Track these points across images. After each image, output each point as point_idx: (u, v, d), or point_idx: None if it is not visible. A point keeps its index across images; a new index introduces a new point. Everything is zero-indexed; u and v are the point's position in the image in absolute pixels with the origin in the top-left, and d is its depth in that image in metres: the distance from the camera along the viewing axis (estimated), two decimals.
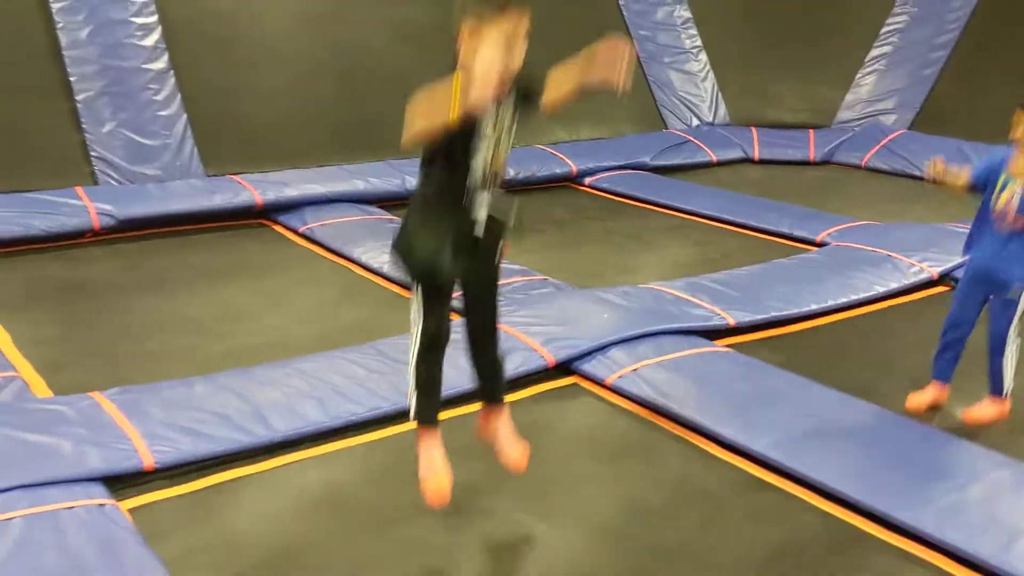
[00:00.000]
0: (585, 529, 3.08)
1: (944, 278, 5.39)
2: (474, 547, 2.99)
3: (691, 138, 8.74)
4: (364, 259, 5.56)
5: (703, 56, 9.50)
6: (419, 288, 2.72)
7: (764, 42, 9.36)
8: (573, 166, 7.86)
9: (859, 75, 9.29)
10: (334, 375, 3.85)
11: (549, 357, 4.12)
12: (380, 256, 5.41)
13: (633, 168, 8.09)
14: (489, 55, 2.33)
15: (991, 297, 3.66)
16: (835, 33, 9.36)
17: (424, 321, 2.73)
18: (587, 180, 7.84)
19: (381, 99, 6.35)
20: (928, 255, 5.54)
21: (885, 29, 9.31)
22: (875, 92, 9.15)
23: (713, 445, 3.59)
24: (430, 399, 2.84)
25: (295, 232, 6.22)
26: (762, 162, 8.67)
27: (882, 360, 4.47)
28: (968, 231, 3.72)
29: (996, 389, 3.72)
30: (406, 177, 6.84)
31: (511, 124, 2.65)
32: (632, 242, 6.31)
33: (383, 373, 3.88)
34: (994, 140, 7.67)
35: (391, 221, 6.16)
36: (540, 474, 3.25)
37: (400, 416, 3.50)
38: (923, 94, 8.88)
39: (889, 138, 8.54)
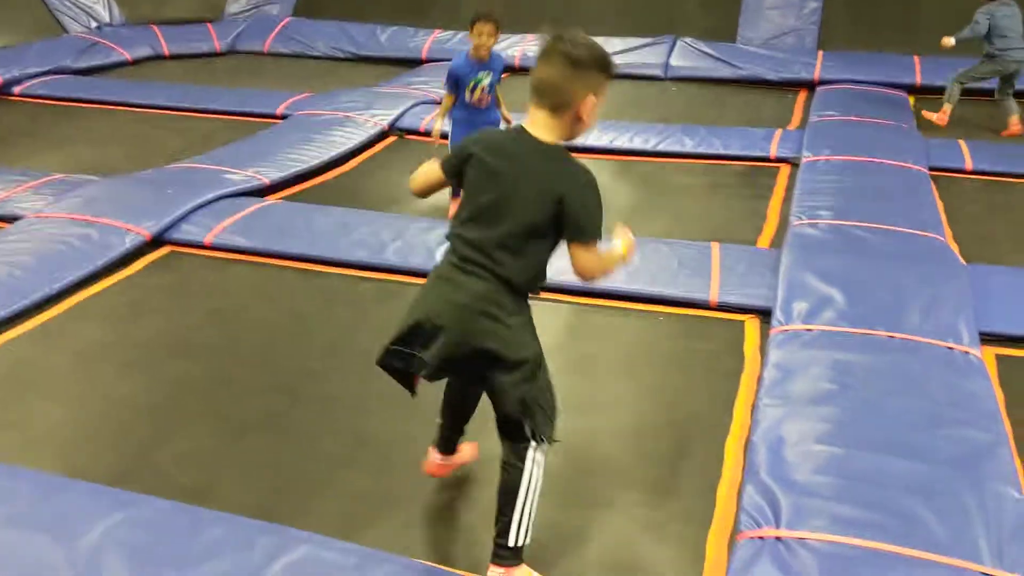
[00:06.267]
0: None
1: (393, 128, 6.76)
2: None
3: (99, 39, 8.82)
4: None
5: None
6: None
7: None
8: None
9: None
10: None
11: (145, 232, 4.56)
12: None
13: (57, 73, 8.02)
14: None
15: None
16: None
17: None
18: (16, 89, 7.62)
19: None
20: (375, 112, 6.86)
21: None
22: None
23: (320, 266, 4.50)
24: None
25: None
26: (174, 57, 9.13)
27: (394, 185, 5.65)
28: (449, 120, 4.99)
29: None
30: None
31: None
32: (130, 139, 6.57)
33: None
34: (367, 19, 9.33)
35: None
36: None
37: None
38: None
39: (281, 25, 9.63)
